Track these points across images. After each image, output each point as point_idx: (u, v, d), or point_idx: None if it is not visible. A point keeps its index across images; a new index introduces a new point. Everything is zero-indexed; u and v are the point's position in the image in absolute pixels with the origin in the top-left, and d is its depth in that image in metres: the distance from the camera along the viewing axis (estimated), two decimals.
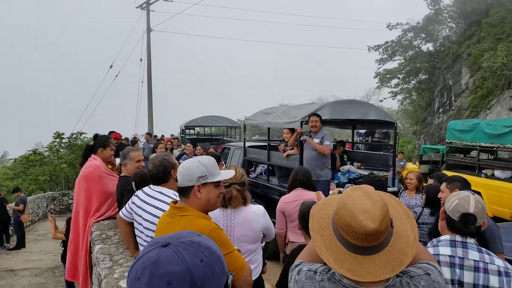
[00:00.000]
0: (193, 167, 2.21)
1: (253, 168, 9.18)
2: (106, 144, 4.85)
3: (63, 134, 20.76)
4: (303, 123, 7.01)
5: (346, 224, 1.51)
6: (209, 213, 2.87)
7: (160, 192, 3.01)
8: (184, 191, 2.25)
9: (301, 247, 3.29)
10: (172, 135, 25.35)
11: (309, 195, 4.33)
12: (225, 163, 8.97)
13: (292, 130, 7.41)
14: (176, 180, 2.32)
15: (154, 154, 7.88)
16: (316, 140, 6.67)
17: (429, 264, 1.62)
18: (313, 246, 1.66)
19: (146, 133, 15.08)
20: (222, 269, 1.09)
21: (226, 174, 2.37)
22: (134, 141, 11.77)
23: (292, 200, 4.28)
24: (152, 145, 12.06)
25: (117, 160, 5.71)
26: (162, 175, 3.06)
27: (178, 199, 2.35)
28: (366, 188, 1.60)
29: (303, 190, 4.38)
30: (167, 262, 1.01)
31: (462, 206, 2.38)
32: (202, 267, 1.03)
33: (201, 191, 2.24)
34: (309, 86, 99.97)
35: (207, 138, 20.91)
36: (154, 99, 25.06)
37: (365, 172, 7.97)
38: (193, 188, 2.23)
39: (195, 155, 9.19)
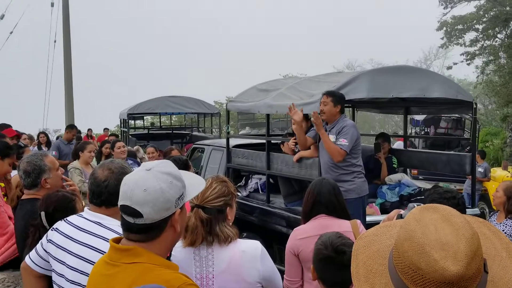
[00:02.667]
0: (166, 186, 1.82)
1: (243, 181, 7.68)
2: (8, 152, 4.32)
3: None
4: None
5: (412, 265, 1.25)
6: (173, 256, 2.70)
7: (99, 223, 2.51)
8: (154, 229, 1.84)
9: None
10: (106, 129, 20.37)
11: (339, 225, 3.69)
12: (198, 173, 7.56)
13: (307, 118, 6.28)
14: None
15: (71, 164, 6.79)
16: (332, 137, 5.58)
17: None
18: None
19: (68, 126, 10.72)
20: None
21: (196, 184, 2.02)
22: (24, 139, 8.32)
23: (311, 234, 3.63)
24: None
25: (13, 173, 4.80)
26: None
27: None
28: (444, 208, 1.33)
29: (328, 218, 3.78)
30: None
31: None
32: None
33: (178, 218, 1.90)
34: (331, 45, 67.98)
35: (165, 134, 16.54)
36: (76, 73, 19.03)
37: (426, 185, 7.04)
38: (170, 219, 1.86)
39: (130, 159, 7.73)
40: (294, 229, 4.05)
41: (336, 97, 5.58)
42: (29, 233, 3.14)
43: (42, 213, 3.07)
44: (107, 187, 2.58)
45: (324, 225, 3.79)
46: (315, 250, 2.91)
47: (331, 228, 3.67)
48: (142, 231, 1.87)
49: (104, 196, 2.60)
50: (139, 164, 7.32)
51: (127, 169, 2.63)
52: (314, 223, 3.86)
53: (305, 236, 3.80)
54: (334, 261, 2.75)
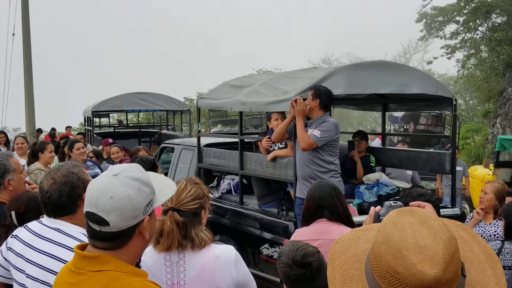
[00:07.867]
0: (134, 192, 1.76)
1: (215, 182, 7.46)
2: None
3: None
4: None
5: (390, 269, 1.24)
6: (143, 262, 2.68)
7: (58, 230, 2.44)
8: (121, 237, 1.78)
9: None
10: (68, 127, 19.63)
11: (340, 233, 3.31)
12: (166, 174, 7.42)
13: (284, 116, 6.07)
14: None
15: (34, 165, 6.16)
16: (309, 131, 5.42)
17: None
18: None
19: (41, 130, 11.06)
20: None
21: (166, 188, 1.96)
22: None
23: (308, 238, 3.45)
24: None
25: None
26: (66, 200, 2.45)
27: (86, 240, 1.95)
28: (421, 212, 1.33)
29: (329, 223, 3.65)
30: None
31: None
32: None
33: (147, 226, 1.85)
34: (306, 38, 64.60)
35: (132, 132, 14.59)
36: (37, 66, 18.56)
37: (406, 184, 6.78)
38: (138, 227, 1.80)
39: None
40: (296, 230, 4.02)
41: (321, 93, 5.40)
42: (1, 234, 3.06)
43: (13, 213, 3.01)
44: (49, 199, 2.47)
45: (324, 230, 3.73)
46: (281, 272, 2.80)
47: (331, 234, 3.61)
48: (109, 239, 1.83)
49: (48, 208, 2.50)
50: (99, 166, 6.95)
51: (73, 176, 2.48)
52: (314, 227, 3.80)
53: (303, 239, 3.67)
54: (305, 276, 2.70)
